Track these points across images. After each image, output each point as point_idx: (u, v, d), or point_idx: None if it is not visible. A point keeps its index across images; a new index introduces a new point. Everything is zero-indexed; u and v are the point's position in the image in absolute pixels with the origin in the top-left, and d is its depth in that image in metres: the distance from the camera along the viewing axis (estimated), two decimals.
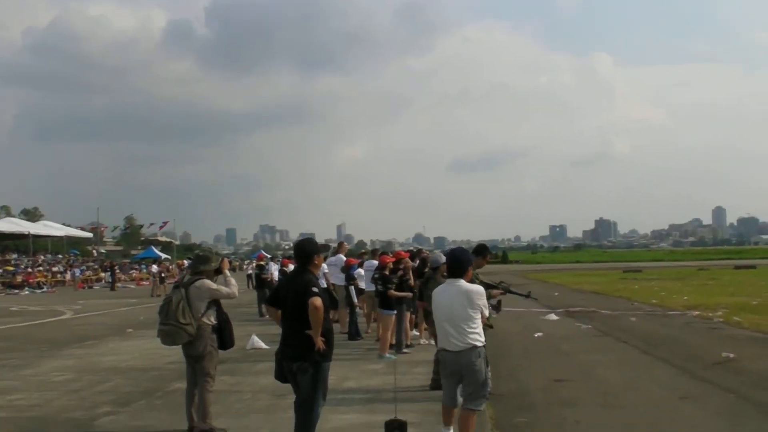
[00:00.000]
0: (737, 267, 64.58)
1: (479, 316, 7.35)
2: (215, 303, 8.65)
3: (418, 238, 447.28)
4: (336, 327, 18.57)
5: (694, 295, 29.71)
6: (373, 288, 16.09)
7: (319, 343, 6.94)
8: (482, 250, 10.58)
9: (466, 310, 7.25)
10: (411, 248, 27.05)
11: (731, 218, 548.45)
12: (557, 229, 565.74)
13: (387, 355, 14.29)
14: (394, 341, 14.89)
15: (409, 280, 15.12)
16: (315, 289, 6.99)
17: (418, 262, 16.91)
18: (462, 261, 7.58)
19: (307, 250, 7.39)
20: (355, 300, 18.22)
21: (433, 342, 11.85)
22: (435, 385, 10.10)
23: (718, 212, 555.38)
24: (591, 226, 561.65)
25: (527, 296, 10.44)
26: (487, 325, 9.99)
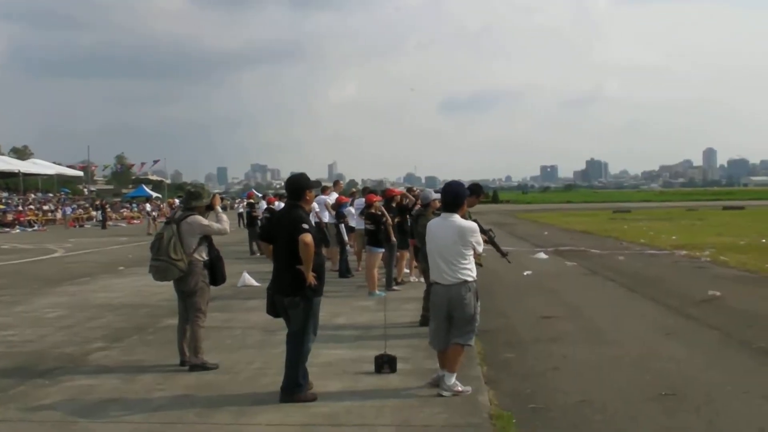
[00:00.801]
0: (726, 208, 64.92)
1: (471, 252, 7.41)
2: (207, 239, 8.69)
3: (410, 177, 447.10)
4: (327, 264, 18.80)
5: (682, 235, 29.94)
6: (363, 226, 16.16)
7: (311, 278, 7.01)
8: (477, 189, 10.59)
9: (458, 246, 7.30)
10: (402, 187, 27.13)
11: (722, 159, 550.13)
12: (548, 170, 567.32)
13: (376, 292, 14.42)
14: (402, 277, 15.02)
15: (386, 220, 15.10)
16: (305, 225, 7.03)
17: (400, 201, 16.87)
18: (458, 194, 7.59)
19: (298, 185, 7.40)
20: (345, 238, 18.30)
21: (422, 279, 11.95)
22: (424, 321, 10.21)
23: (709, 153, 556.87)
24: (582, 166, 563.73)
25: (504, 255, 10.46)
26: (477, 263, 10.10)
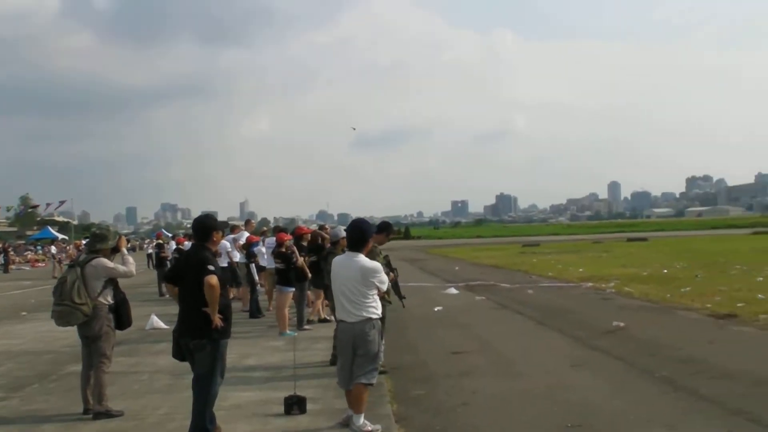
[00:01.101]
0: (630, 240, 66.95)
1: (374, 291, 7.43)
2: (112, 282, 8.52)
3: (322, 214, 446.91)
4: (238, 305, 18.59)
5: (589, 267, 30.61)
6: (273, 265, 16.08)
7: (217, 320, 6.93)
8: (385, 227, 10.68)
9: (359, 285, 7.32)
10: (314, 225, 27.12)
11: (626, 192, 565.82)
12: (459, 205, 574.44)
13: (287, 332, 14.32)
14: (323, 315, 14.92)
15: (296, 260, 15.05)
16: (211, 267, 6.96)
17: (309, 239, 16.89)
18: (363, 232, 7.61)
19: (205, 226, 7.33)
20: (256, 278, 18.15)
21: (333, 318, 11.92)
22: (335, 360, 10.15)
23: (614, 186, 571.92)
24: (492, 201, 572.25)
25: (402, 299, 10.56)
26: (386, 301, 10.14)
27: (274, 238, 16.66)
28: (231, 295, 17.81)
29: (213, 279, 6.85)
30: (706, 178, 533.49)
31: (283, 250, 14.89)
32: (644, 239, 67.32)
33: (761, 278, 22.48)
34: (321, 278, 14.86)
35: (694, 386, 9.20)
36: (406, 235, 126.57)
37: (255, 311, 17.56)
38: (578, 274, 27.15)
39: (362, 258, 7.44)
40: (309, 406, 8.15)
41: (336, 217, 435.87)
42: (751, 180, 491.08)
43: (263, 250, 18.55)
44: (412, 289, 23.41)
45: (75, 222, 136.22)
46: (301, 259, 15.03)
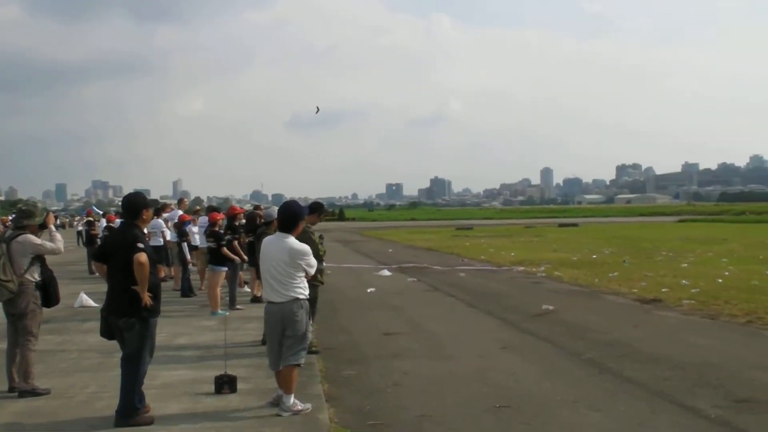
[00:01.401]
0: (561, 225, 67.79)
1: (302, 272, 7.43)
2: (39, 259, 8.37)
3: (256, 195, 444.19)
4: (170, 284, 18.40)
5: (521, 252, 31.02)
6: (206, 245, 15.98)
7: (146, 298, 6.86)
8: (317, 208, 10.70)
9: (288, 266, 7.31)
10: (248, 206, 26.94)
11: (558, 178, 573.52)
12: (394, 188, 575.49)
13: (218, 311, 14.23)
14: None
15: (229, 239, 14.97)
16: (140, 245, 6.88)
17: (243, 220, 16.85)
18: (294, 214, 7.60)
19: (134, 204, 7.24)
20: (188, 256, 17.97)
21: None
22: (266, 339, 10.16)
23: (546, 172, 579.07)
24: (426, 184, 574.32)
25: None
26: (318, 282, 10.16)
27: (207, 218, 16.51)
28: (162, 274, 17.68)
29: (142, 257, 6.78)
30: (636, 167, 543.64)
31: (216, 229, 14.77)
32: (575, 225, 68.34)
33: (686, 264, 23.10)
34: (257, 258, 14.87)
35: (619, 369, 9.43)
36: (341, 217, 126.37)
37: (187, 290, 17.40)
38: (510, 258, 27.50)
39: (292, 240, 7.42)
40: (240, 386, 8.13)
41: (270, 198, 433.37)
42: (678, 169, 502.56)
43: (195, 229, 18.40)
44: (345, 271, 23.53)
45: (1, 197, 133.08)
46: (240, 239, 14.99)
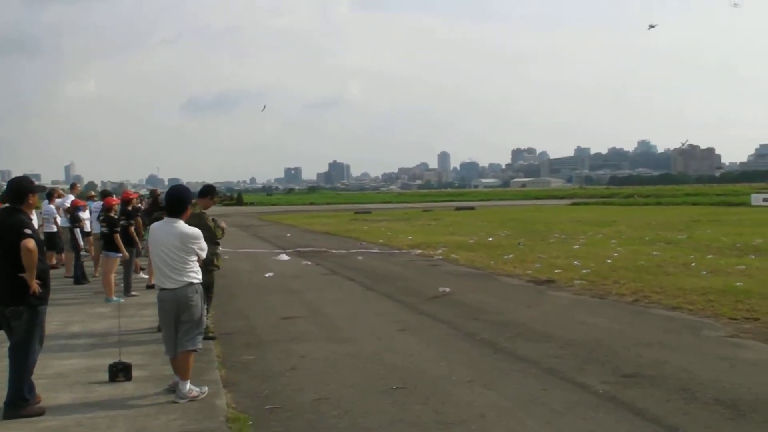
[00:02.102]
0: (458, 208, 68.90)
1: (194, 256, 7.35)
2: None
3: (152, 179, 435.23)
4: (61, 271, 17.92)
5: (418, 235, 31.37)
6: (100, 230, 15.64)
7: (34, 285, 6.68)
8: (209, 191, 10.58)
9: (179, 251, 7.22)
10: (144, 190, 26.41)
11: (455, 162, 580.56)
12: (292, 172, 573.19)
13: (113, 298, 13.95)
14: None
15: (125, 224, 14.75)
16: (28, 230, 6.69)
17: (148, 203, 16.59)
18: (181, 198, 7.49)
19: (19, 188, 7.03)
20: (81, 243, 17.52)
21: None
22: (161, 326, 10.02)
23: (443, 157, 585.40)
24: (325, 168, 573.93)
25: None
26: (215, 266, 10.08)
27: (101, 203, 16.14)
28: (52, 261, 17.21)
29: (30, 243, 6.59)
30: (530, 151, 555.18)
31: (111, 214, 14.45)
32: (471, 208, 69.47)
33: (577, 246, 23.79)
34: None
35: (513, 348, 9.67)
36: (239, 201, 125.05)
37: (80, 277, 16.97)
38: (408, 242, 27.78)
39: (181, 224, 7.33)
40: (135, 373, 8.01)
41: (167, 182, 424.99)
42: (570, 153, 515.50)
43: (87, 214, 17.95)
44: (243, 256, 23.36)
45: None
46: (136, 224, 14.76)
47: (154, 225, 7.67)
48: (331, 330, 11.21)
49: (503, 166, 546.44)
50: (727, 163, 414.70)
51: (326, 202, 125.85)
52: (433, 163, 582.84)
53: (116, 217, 14.50)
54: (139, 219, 15.55)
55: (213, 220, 10.19)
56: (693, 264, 17.92)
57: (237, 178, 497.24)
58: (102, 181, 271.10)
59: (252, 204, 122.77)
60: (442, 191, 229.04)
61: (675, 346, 9.63)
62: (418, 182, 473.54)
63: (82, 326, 11.49)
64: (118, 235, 14.33)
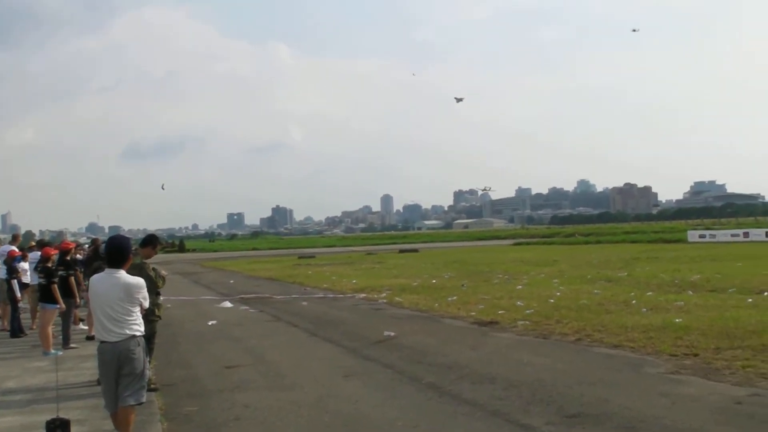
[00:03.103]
0: (402, 251, 69.24)
1: (138, 307, 7.25)
2: None
3: (92, 227, 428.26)
4: None
5: (362, 279, 31.36)
6: (37, 281, 15.39)
7: None
8: (150, 240, 10.49)
9: (124, 302, 7.11)
10: (84, 238, 26.03)
11: (398, 205, 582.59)
12: (235, 217, 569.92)
13: (51, 351, 13.65)
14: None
15: (63, 275, 14.52)
16: None
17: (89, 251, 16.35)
18: (122, 248, 7.39)
19: None
20: (18, 294, 17.16)
21: None
22: (101, 379, 9.83)
23: (386, 200, 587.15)
24: (268, 213, 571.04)
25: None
26: (156, 317, 9.97)
27: (39, 253, 15.86)
28: None
29: None
30: (472, 192, 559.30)
31: (49, 265, 14.21)
32: (415, 250, 69.82)
33: (520, 286, 24.01)
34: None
35: (458, 391, 9.68)
36: (181, 248, 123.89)
37: (17, 330, 16.59)
38: (352, 286, 27.74)
39: (123, 274, 7.22)
40: (74, 429, 7.80)
41: (107, 230, 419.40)
42: (512, 194, 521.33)
43: (25, 265, 17.60)
44: (186, 303, 23.09)
45: None
46: (71, 278, 14.50)
47: (95, 276, 7.54)
48: (275, 378, 11.10)
49: (446, 208, 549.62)
50: (664, 201, 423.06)
51: (270, 247, 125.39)
52: (377, 206, 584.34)
53: (54, 267, 14.26)
54: (77, 270, 15.32)
55: (154, 269, 10.09)
56: (633, 301, 18.19)
57: (179, 224, 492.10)
58: (40, 230, 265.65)
59: (194, 251, 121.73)
60: (386, 234, 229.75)
61: (617, 383, 9.74)
62: (362, 225, 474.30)
63: (18, 381, 11.23)
64: (55, 286, 14.09)
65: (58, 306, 14.11)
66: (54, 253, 14.68)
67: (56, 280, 14.13)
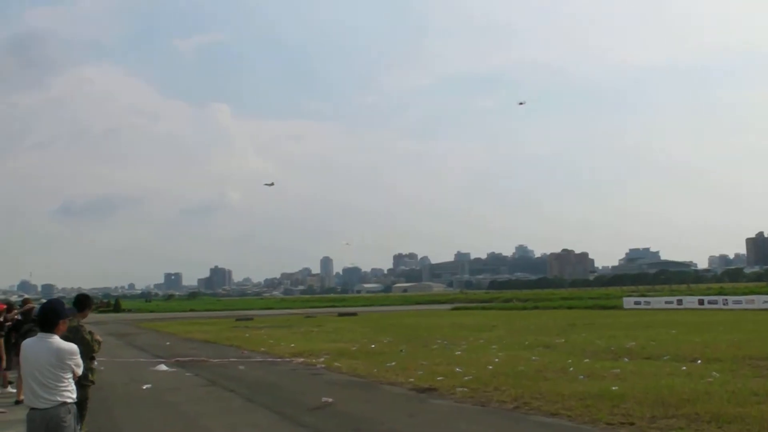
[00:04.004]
0: (341, 314, 68.88)
1: (70, 374, 7.07)
2: None
3: (24, 285, 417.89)
4: None
5: (301, 342, 31.10)
6: None
7: None
8: (83, 301, 10.29)
9: (55, 368, 6.93)
10: (15, 296, 25.47)
11: (337, 267, 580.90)
12: (173, 277, 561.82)
13: None
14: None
15: None
16: None
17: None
18: (56, 312, 7.22)
19: None
20: None
21: None
22: None
23: (326, 262, 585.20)
24: (206, 274, 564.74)
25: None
26: (89, 381, 9.74)
27: None
28: None
29: None
30: (412, 256, 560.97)
31: None
32: (354, 314, 69.52)
33: (459, 352, 24.02)
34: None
35: None
36: (116, 308, 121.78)
37: None
38: (290, 350, 27.48)
39: (57, 339, 7.04)
40: None
41: (40, 288, 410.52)
42: (451, 258, 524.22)
43: None
44: (119, 365, 22.63)
45: None
46: None
47: (27, 341, 7.34)
48: None
49: (385, 271, 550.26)
50: (600, 267, 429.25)
51: (207, 308, 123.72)
52: (316, 269, 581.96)
53: None
54: (12, 331, 14.96)
55: (90, 332, 9.89)
56: (570, 368, 18.33)
57: (115, 283, 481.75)
58: None
59: (130, 311, 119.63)
60: (325, 297, 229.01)
61: None
62: (301, 287, 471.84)
63: None
64: None
65: None
66: None
67: None
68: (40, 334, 7.13)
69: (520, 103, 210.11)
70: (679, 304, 66.07)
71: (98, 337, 10.20)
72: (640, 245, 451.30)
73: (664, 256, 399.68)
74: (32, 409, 6.99)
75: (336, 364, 21.78)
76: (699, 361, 19.09)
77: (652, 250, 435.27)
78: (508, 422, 12.17)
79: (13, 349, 14.70)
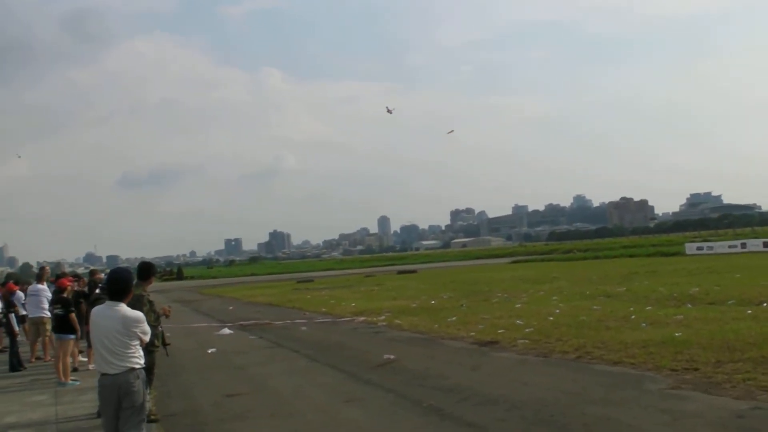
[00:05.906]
0: (400, 272, 69.15)
1: (137, 341, 7.22)
2: None
3: (90, 257, 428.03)
4: None
5: (361, 302, 31.30)
6: (38, 314, 15.59)
7: None
8: (146, 270, 10.46)
9: (122, 336, 7.08)
10: (82, 269, 26.07)
11: (395, 226, 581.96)
12: (233, 243, 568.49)
13: (69, 381, 13.65)
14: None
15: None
16: None
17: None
18: (121, 282, 7.36)
19: None
20: (16, 328, 17.14)
21: None
22: (101, 412, 9.80)
23: (383, 221, 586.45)
24: (265, 238, 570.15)
25: (166, 346, 10.55)
26: (155, 347, 9.94)
27: (38, 286, 16.02)
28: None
29: None
30: (469, 211, 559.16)
31: (65, 295, 14.32)
32: (413, 271, 69.78)
33: (519, 305, 23.96)
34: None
35: (460, 413, 9.65)
36: (179, 276, 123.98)
37: (16, 364, 16.54)
38: (351, 309, 27.68)
39: (124, 308, 7.19)
40: None
41: (105, 260, 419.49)
42: (509, 212, 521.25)
43: (23, 297, 17.62)
44: (185, 331, 23.04)
45: None
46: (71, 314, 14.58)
47: (96, 308, 7.50)
48: (276, 405, 11.06)
49: (443, 227, 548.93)
50: (660, 214, 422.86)
51: (268, 272, 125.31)
52: (374, 228, 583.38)
53: (70, 298, 14.39)
54: (82, 302, 15.32)
55: (150, 302, 10.06)
56: (632, 317, 18.16)
57: (176, 251, 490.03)
58: (38, 262, 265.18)
59: (192, 278, 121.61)
60: (384, 255, 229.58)
61: (618, 401, 9.71)
62: (360, 247, 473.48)
63: (18, 416, 11.19)
64: (73, 315, 14.19)
65: (74, 336, 14.21)
66: (69, 284, 14.80)
67: (73, 309, 14.24)
68: (108, 302, 7.28)
69: (450, 131, 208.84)
70: (743, 248, 64.69)
71: (165, 307, 10.41)
72: (702, 190, 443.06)
73: (727, 199, 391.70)
74: (103, 374, 7.17)
75: (397, 321, 21.90)
76: (765, 304, 18.75)
77: (714, 194, 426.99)
78: (571, 372, 12.13)
79: (83, 318, 15.06)
